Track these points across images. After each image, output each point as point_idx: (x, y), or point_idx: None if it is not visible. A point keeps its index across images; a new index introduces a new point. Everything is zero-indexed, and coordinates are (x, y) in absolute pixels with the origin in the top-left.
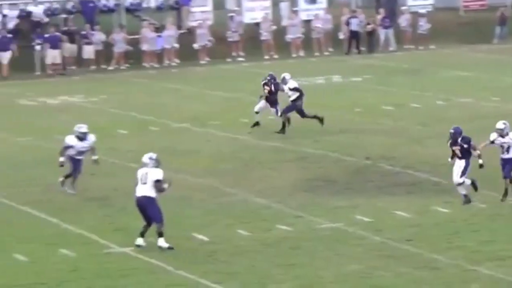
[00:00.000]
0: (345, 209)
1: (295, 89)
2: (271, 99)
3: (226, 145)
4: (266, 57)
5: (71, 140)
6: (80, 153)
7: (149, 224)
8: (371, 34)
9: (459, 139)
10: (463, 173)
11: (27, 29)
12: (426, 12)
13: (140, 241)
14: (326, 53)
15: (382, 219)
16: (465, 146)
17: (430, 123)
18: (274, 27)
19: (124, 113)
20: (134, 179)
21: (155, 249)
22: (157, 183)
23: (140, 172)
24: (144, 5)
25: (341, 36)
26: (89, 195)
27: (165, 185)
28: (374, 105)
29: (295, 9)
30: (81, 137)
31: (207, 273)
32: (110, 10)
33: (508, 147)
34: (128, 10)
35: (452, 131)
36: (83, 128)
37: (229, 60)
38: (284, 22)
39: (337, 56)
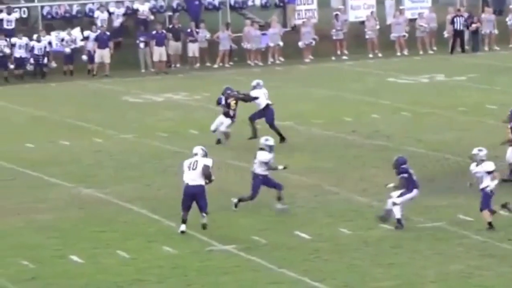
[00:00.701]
0: (447, 208)
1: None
2: (226, 112)
3: (328, 143)
4: (370, 55)
5: (265, 156)
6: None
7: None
8: (475, 32)
9: None
10: None
11: (133, 26)
12: None
13: (183, 227)
14: (430, 52)
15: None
16: None
17: None
18: (378, 26)
19: None
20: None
21: (257, 247)
22: (205, 168)
23: (188, 161)
24: (249, 3)
25: (446, 34)
26: None
27: (213, 177)
28: (478, 104)
29: (400, 7)
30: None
31: (308, 271)
32: (215, 8)
33: None
34: (233, 8)
35: None
36: (270, 141)
37: (333, 58)
38: (389, 21)
39: (441, 55)
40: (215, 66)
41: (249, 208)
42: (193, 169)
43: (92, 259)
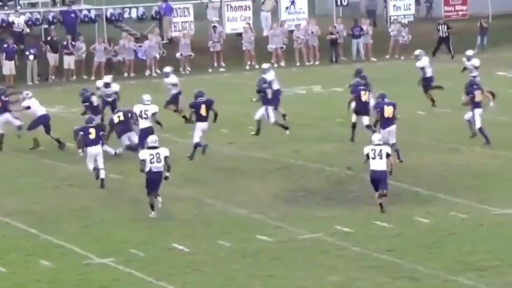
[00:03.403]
0: (325, 219)
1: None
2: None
3: (205, 155)
4: (247, 67)
5: None
6: None
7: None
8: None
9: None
10: None
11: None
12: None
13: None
14: (307, 63)
15: (362, 230)
16: None
17: (411, 133)
18: (253, 38)
19: None
20: (363, 155)
21: (135, 260)
22: (388, 156)
23: (372, 148)
24: (126, 15)
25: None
26: (69, 206)
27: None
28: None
29: (279, 20)
30: None
31: (187, 283)
32: (92, 21)
33: None
34: (109, 20)
35: None
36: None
37: (210, 70)
38: (265, 32)
39: (320, 66)
40: (92, 78)
41: (126, 220)
42: (380, 159)
43: None
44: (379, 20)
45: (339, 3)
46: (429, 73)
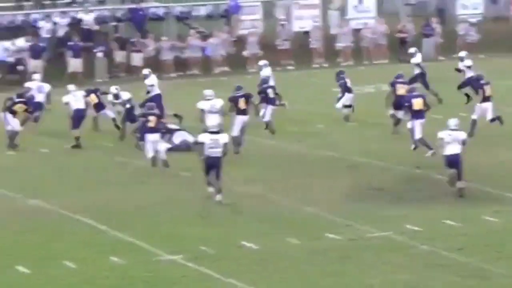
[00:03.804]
0: (394, 218)
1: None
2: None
3: (275, 154)
4: (315, 65)
5: None
6: None
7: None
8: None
9: None
10: None
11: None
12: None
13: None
14: (375, 62)
15: (432, 228)
16: None
17: (480, 131)
18: (322, 36)
19: None
20: (440, 141)
21: (204, 256)
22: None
23: (448, 133)
24: (194, 13)
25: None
26: (139, 203)
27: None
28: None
29: (345, 17)
30: None
31: (256, 281)
32: (160, 18)
33: None
34: (178, 18)
35: None
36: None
37: (278, 68)
38: (333, 31)
39: (388, 64)
40: (165, 75)
41: (195, 217)
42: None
43: (39, 269)
44: (448, 19)
45: (407, 1)
46: (424, 69)
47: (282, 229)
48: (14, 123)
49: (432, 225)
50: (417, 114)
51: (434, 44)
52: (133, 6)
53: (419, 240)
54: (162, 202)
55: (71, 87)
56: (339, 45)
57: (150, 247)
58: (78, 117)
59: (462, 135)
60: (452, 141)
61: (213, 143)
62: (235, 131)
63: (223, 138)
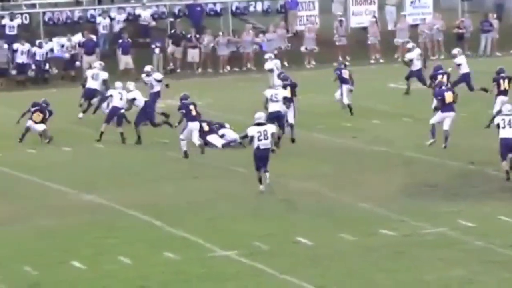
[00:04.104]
0: (448, 214)
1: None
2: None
3: (329, 149)
4: (372, 61)
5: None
6: None
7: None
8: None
9: None
10: None
11: (134, 32)
12: None
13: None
14: (432, 58)
15: (486, 224)
16: None
17: None
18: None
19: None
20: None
21: (259, 252)
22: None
23: (502, 118)
24: (251, 8)
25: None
26: (193, 198)
27: None
28: (478, 110)
29: (402, 13)
30: None
31: (311, 277)
32: (217, 14)
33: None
34: (234, 13)
35: None
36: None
37: (335, 64)
38: (390, 26)
39: (445, 60)
40: (221, 71)
41: (249, 213)
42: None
43: (94, 265)
44: (505, 15)
45: None
46: (418, 65)
47: (337, 225)
48: (38, 127)
49: (487, 221)
50: (447, 107)
51: (491, 40)
52: (191, 2)
53: (474, 236)
54: (216, 197)
55: (118, 84)
56: (398, 40)
57: (204, 243)
58: (114, 114)
59: None
60: (506, 125)
61: (261, 136)
62: (290, 118)
63: (270, 128)
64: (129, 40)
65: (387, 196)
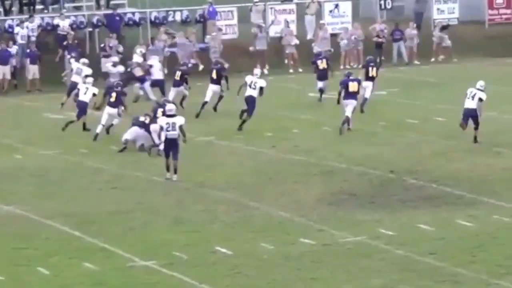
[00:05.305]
0: (368, 222)
1: None
2: None
3: (249, 158)
4: (291, 70)
5: None
6: None
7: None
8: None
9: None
10: None
11: (53, 42)
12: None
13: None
14: (353, 66)
15: (406, 233)
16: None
17: (454, 136)
18: (298, 41)
19: None
20: None
21: (178, 262)
22: (481, 100)
23: (471, 90)
24: (170, 18)
25: None
26: (113, 208)
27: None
28: (398, 118)
29: (321, 22)
30: None
31: (230, 287)
32: (136, 24)
33: None
34: (153, 23)
35: None
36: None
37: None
38: (309, 36)
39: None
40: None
41: (169, 223)
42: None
43: (13, 276)
44: (425, 24)
45: (383, 6)
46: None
47: (256, 235)
48: None
49: (406, 230)
50: (350, 95)
51: (409, 49)
52: (109, 11)
53: (394, 245)
54: (136, 208)
55: (89, 79)
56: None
57: (123, 253)
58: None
59: (480, 94)
60: (470, 97)
61: (169, 127)
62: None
63: (179, 121)
64: (36, 49)
65: (306, 205)
